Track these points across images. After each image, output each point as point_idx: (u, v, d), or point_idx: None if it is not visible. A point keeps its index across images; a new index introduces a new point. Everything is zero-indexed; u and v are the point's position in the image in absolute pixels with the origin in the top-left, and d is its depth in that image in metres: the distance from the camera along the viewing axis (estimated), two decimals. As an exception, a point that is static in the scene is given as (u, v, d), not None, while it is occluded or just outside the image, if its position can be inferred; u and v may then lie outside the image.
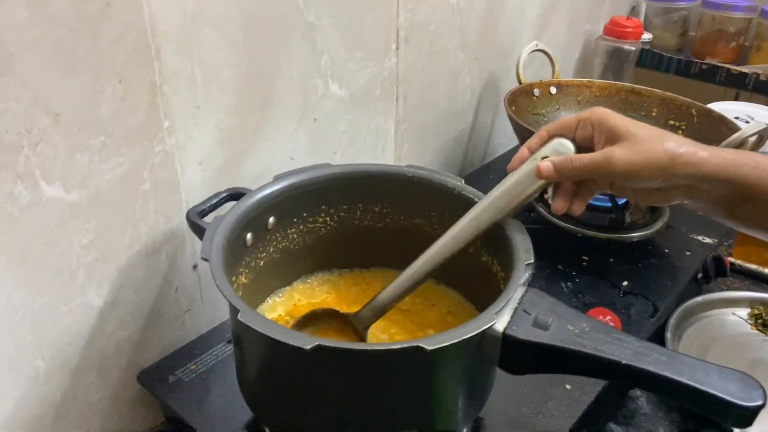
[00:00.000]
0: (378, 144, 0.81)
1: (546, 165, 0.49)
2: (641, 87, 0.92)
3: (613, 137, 0.48)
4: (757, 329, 0.75)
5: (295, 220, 0.58)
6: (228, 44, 0.58)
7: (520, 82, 0.91)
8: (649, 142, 0.47)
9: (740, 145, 0.67)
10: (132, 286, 0.57)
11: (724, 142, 0.68)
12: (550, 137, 0.52)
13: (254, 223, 0.54)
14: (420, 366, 0.42)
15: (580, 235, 0.80)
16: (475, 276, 0.56)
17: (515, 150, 1.01)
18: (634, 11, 1.26)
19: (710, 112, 0.86)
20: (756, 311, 0.77)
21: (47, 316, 0.51)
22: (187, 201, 0.60)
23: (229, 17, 0.57)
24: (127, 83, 0.51)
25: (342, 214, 0.60)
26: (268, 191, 0.55)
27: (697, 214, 0.55)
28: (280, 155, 0.68)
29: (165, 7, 0.51)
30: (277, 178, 0.56)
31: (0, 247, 0.47)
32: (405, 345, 0.39)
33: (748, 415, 0.39)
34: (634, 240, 0.81)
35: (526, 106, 0.90)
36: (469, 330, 0.40)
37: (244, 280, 0.54)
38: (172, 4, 0.52)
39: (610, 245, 0.80)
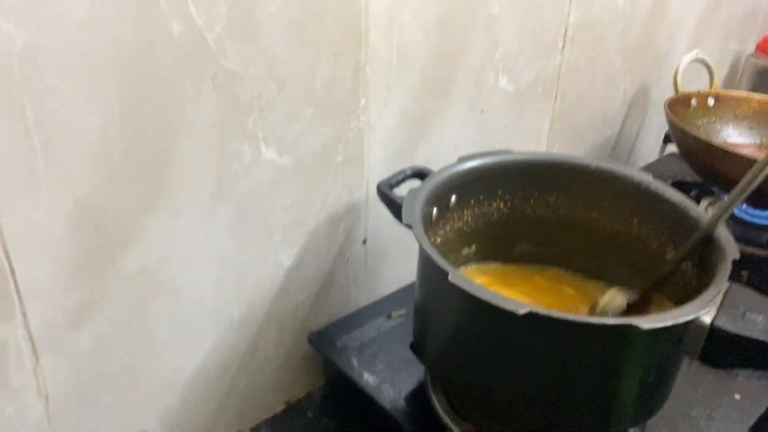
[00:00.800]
0: (531, 141, 0.82)
1: None
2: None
3: None
4: None
5: (472, 201, 0.60)
6: (423, 31, 0.61)
7: (676, 91, 0.89)
8: None
9: None
10: (315, 251, 0.61)
11: None
12: None
13: (440, 200, 0.56)
14: (628, 346, 0.43)
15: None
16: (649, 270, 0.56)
17: (654, 162, 0.99)
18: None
19: None
20: None
21: (248, 270, 0.56)
22: (368, 177, 0.63)
23: (426, 4, 0.60)
24: (340, 59, 0.54)
25: (516, 201, 0.62)
26: (454, 170, 0.57)
27: None
28: (448, 143, 0.70)
29: (380, -10, 0.55)
30: (461, 160, 0.58)
31: (224, 202, 0.51)
32: (619, 321, 0.40)
33: None
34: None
35: (681, 116, 0.88)
36: (685, 313, 0.40)
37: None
38: (386, -12, 0.55)
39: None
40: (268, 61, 0.49)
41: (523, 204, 0.62)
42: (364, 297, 0.69)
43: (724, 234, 0.48)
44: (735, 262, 0.46)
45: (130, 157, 0.44)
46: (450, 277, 0.43)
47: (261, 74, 0.49)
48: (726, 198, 0.55)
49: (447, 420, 0.54)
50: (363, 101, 0.59)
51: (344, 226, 0.63)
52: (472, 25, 0.66)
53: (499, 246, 0.64)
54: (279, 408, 0.65)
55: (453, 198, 0.58)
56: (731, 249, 0.46)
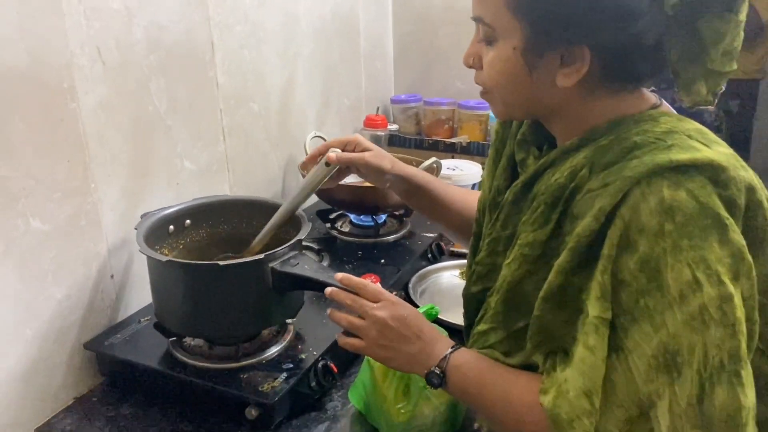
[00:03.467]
0: (219, 201, 1.24)
1: (332, 155, 0.92)
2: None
3: (364, 149, 0.94)
4: (463, 279, 1.28)
5: (203, 225, 1.00)
6: (124, 138, 1.00)
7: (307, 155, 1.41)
8: (383, 156, 0.95)
9: (428, 167, 1.22)
10: (77, 286, 0.93)
11: (419, 167, 1.23)
12: (326, 148, 0.95)
13: (175, 222, 0.95)
14: (219, 276, 0.85)
15: (357, 241, 1.30)
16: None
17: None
18: (381, 111, 1.86)
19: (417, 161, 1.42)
20: (463, 270, 1.30)
21: (34, 301, 0.86)
22: (105, 233, 0.98)
23: (124, 123, 1.00)
24: (72, 162, 0.90)
25: (209, 229, 1.03)
26: (168, 210, 0.97)
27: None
28: (157, 204, 1.08)
29: (90, 116, 0.93)
30: (175, 205, 0.98)
31: (10, 256, 0.82)
32: (206, 263, 0.83)
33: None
34: (390, 240, 1.32)
35: (313, 171, 1.40)
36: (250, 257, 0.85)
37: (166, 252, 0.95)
38: (93, 112, 0.93)
39: (376, 245, 1.30)
40: (26, 167, 0.83)
41: (216, 228, 1.04)
42: (120, 313, 1.02)
43: (298, 218, 0.95)
44: (320, 240, 0.92)
45: (-51, 231, 0.74)
46: (139, 249, 0.82)
47: (22, 175, 0.83)
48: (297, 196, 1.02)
49: (182, 357, 0.90)
50: (92, 185, 0.95)
51: (96, 266, 0.96)
52: (156, 131, 1.07)
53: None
54: (69, 402, 0.93)
55: (188, 222, 0.98)
56: (303, 227, 0.93)
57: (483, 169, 1.55)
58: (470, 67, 0.73)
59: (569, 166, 0.66)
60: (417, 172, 0.99)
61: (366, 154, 0.93)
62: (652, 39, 0.63)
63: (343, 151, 0.94)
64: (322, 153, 0.95)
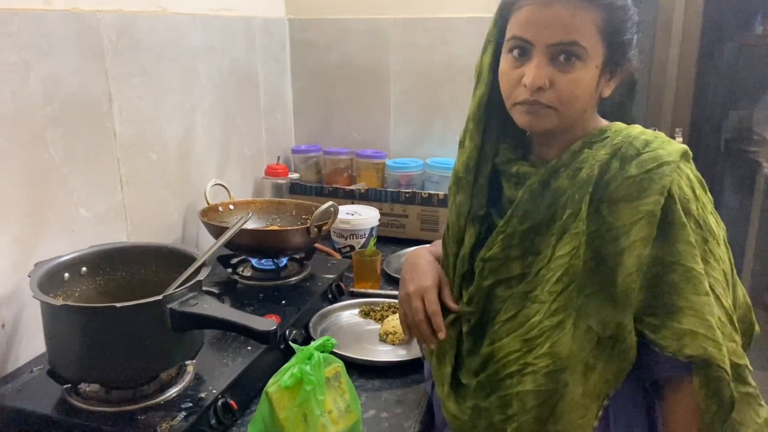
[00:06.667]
0: (117, 249, 1.25)
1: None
2: (282, 199, 1.54)
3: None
4: (362, 317, 1.34)
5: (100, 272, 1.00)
6: (16, 188, 1.00)
7: (208, 203, 1.45)
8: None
9: (324, 211, 1.30)
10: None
11: (316, 212, 1.30)
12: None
13: (71, 269, 0.95)
14: (117, 318, 0.86)
15: (258, 285, 1.34)
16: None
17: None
18: (282, 160, 1.92)
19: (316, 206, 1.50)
20: (362, 309, 1.37)
21: None
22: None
23: (18, 172, 1.00)
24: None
25: (106, 276, 1.04)
26: (64, 258, 0.97)
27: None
28: (51, 251, 1.08)
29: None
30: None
31: None
32: (103, 305, 0.85)
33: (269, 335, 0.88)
34: (291, 282, 1.36)
35: (213, 217, 1.43)
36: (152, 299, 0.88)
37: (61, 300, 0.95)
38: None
39: (277, 288, 1.34)
40: None
41: (111, 276, 1.04)
42: (10, 364, 1.00)
43: (206, 265, 0.99)
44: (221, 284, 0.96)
45: None
46: (31, 290, 0.83)
47: None
48: (214, 246, 1.06)
49: (78, 403, 0.90)
50: (-17, 234, 0.94)
51: (-16, 318, 0.95)
52: (52, 180, 1.07)
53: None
54: (-47, 459, 0.89)
55: (84, 269, 0.98)
56: (204, 270, 0.97)
57: (379, 214, 1.65)
58: (540, 88, 0.82)
59: (592, 162, 0.84)
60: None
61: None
62: None
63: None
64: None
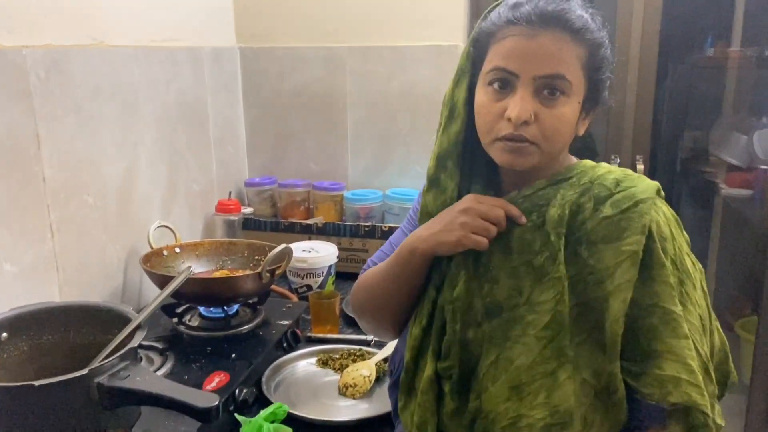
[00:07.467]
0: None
1: None
2: (234, 239, 1.44)
3: None
4: (320, 367, 1.26)
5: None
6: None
7: (151, 247, 1.34)
8: None
9: (278, 254, 1.21)
10: None
11: (268, 256, 1.22)
12: None
13: None
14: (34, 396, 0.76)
15: (206, 336, 1.24)
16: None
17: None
18: (234, 194, 1.83)
19: (270, 246, 1.41)
20: (320, 357, 1.28)
21: None
22: None
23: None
24: None
25: (31, 341, 0.93)
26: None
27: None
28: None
29: None
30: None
31: None
32: (19, 384, 0.75)
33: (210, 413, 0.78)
34: (243, 331, 1.27)
35: (157, 264, 1.33)
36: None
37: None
38: None
39: (227, 338, 1.24)
40: None
41: (38, 339, 0.94)
42: None
43: (141, 328, 0.89)
44: (165, 338, 0.87)
45: None
46: None
47: None
48: (148, 308, 0.96)
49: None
50: None
51: None
52: (-32, 236, 0.97)
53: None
54: None
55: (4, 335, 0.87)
56: (139, 335, 0.87)
57: (338, 249, 1.58)
58: (525, 122, 0.78)
59: (563, 202, 0.80)
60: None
61: None
62: None
63: None
64: None
